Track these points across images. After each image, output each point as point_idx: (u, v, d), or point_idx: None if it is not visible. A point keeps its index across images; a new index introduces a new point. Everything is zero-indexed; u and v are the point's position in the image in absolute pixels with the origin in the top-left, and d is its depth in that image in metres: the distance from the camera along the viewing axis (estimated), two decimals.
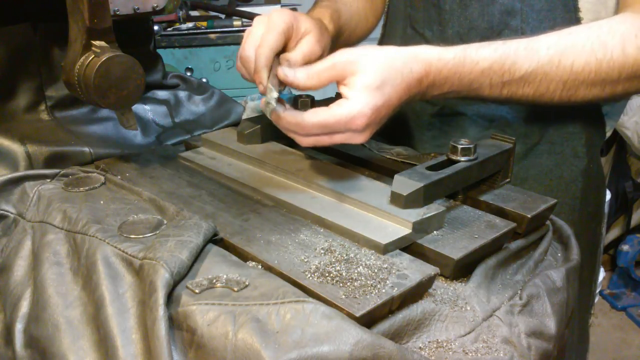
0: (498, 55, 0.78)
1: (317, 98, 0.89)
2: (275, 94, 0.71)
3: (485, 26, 0.93)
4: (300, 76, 0.71)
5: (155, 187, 0.80)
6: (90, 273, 0.61)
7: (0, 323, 0.65)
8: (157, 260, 0.57)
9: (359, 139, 0.71)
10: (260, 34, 0.78)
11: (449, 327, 0.59)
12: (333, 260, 0.62)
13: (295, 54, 0.80)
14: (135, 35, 1.02)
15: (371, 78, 0.69)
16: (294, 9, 0.97)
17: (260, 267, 0.62)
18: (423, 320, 0.58)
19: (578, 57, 0.78)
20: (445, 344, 0.58)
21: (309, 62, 0.81)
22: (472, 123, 0.99)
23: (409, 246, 0.67)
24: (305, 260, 0.62)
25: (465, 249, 0.65)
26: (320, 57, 0.83)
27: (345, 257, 0.62)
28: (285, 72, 0.71)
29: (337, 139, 0.71)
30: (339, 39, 1.02)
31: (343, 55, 0.71)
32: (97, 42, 0.77)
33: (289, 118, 0.70)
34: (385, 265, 0.61)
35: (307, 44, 0.81)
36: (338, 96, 0.72)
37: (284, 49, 0.82)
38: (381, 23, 1.15)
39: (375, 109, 0.69)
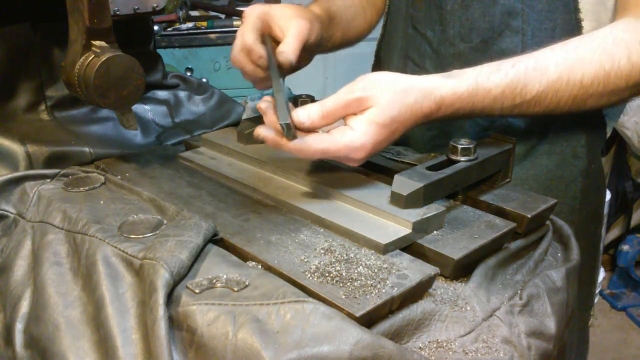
0: (509, 79, 0.77)
1: (317, 98, 0.89)
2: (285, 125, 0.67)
3: (486, 27, 0.93)
4: (315, 119, 0.70)
5: (155, 187, 0.80)
6: (90, 273, 0.61)
7: (0, 323, 0.65)
8: (157, 260, 0.57)
9: (353, 164, 0.72)
10: (239, 32, 0.86)
11: (449, 327, 0.59)
12: (333, 260, 0.62)
13: (287, 43, 0.84)
14: (135, 35, 1.02)
15: (380, 115, 0.69)
16: None
17: (260, 267, 0.62)
18: (423, 320, 0.58)
19: (587, 71, 0.78)
20: (445, 344, 0.58)
21: (303, 41, 0.85)
22: (472, 123, 0.98)
23: (409, 246, 0.67)
24: (305, 260, 0.62)
25: (465, 249, 0.65)
26: (310, 31, 0.87)
27: (345, 257, 0.62)
28: (300, 118, 0.69)
29: (335, 159, 0.72)
30: (332, 21, 1.02)
31: (356, 91, 0.70)
32: (97, 42, 0.77)
33: (291, 146, 0.69)
34: (385, 265, 0.61)
35: (294, 27, 0.85)
36: None
37: (274, 39, 0.88)
38: (381, 23, 1.15)
39: (377, 143, 0.70)
